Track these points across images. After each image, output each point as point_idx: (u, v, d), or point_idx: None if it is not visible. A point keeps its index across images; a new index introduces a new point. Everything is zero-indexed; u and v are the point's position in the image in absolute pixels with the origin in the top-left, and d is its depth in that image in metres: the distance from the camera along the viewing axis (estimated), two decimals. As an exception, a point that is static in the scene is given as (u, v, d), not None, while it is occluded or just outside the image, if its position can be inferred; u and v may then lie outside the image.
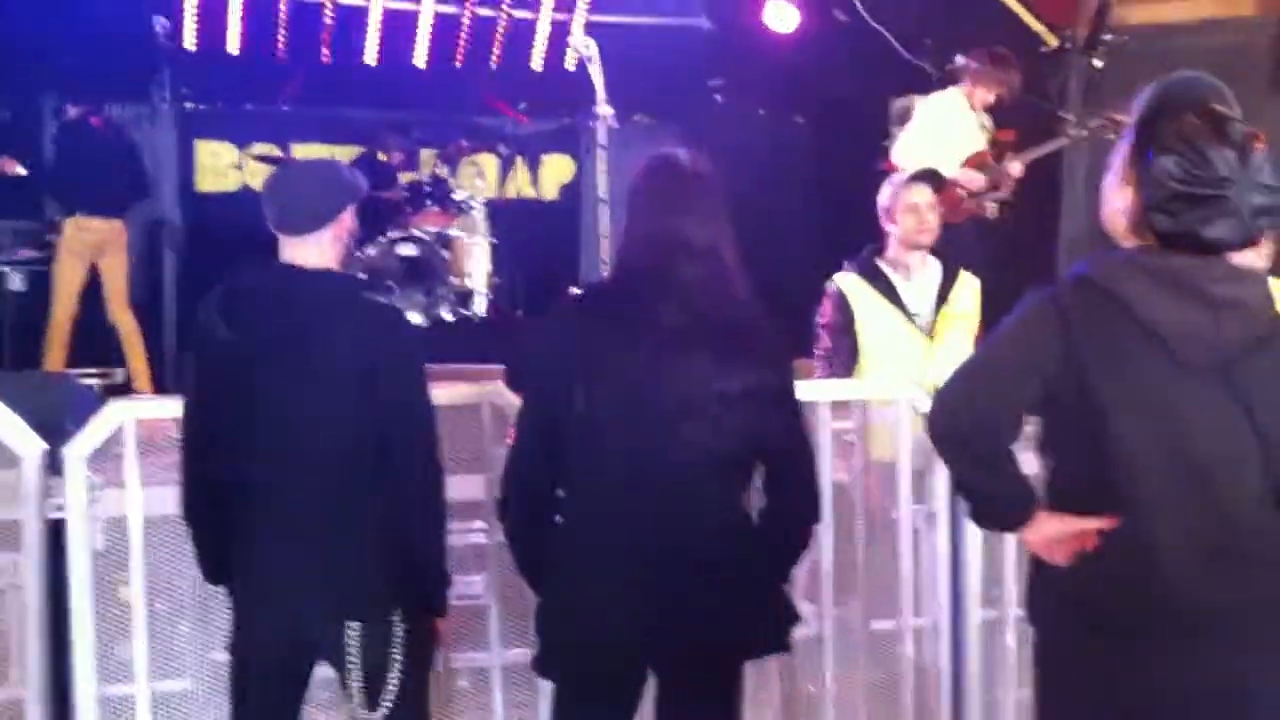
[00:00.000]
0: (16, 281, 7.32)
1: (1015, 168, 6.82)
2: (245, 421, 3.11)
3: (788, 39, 8.80)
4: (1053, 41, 7.23)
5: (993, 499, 2.63)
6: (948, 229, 4.99)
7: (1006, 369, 2.52)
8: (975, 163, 6.82)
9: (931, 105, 7.11)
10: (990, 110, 6.94)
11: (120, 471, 3.74)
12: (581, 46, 7.42)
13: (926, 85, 7.97)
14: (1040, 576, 2.60)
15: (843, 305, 4.85)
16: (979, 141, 6.91)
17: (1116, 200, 2.51)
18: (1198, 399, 2.37)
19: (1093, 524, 2.42)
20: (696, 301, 2.88)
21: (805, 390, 3.55)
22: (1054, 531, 2.52)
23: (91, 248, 7.21)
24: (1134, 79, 2.69)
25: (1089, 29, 6.97)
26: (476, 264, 8.10)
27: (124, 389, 6.58)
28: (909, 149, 6.93)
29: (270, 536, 3.11)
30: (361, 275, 7.29)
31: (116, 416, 3.74)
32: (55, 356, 7.05)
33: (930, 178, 5.15)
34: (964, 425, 2.54)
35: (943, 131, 6.90)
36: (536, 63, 9.25)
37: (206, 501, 3.21)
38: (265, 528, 3.12)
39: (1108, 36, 6.94)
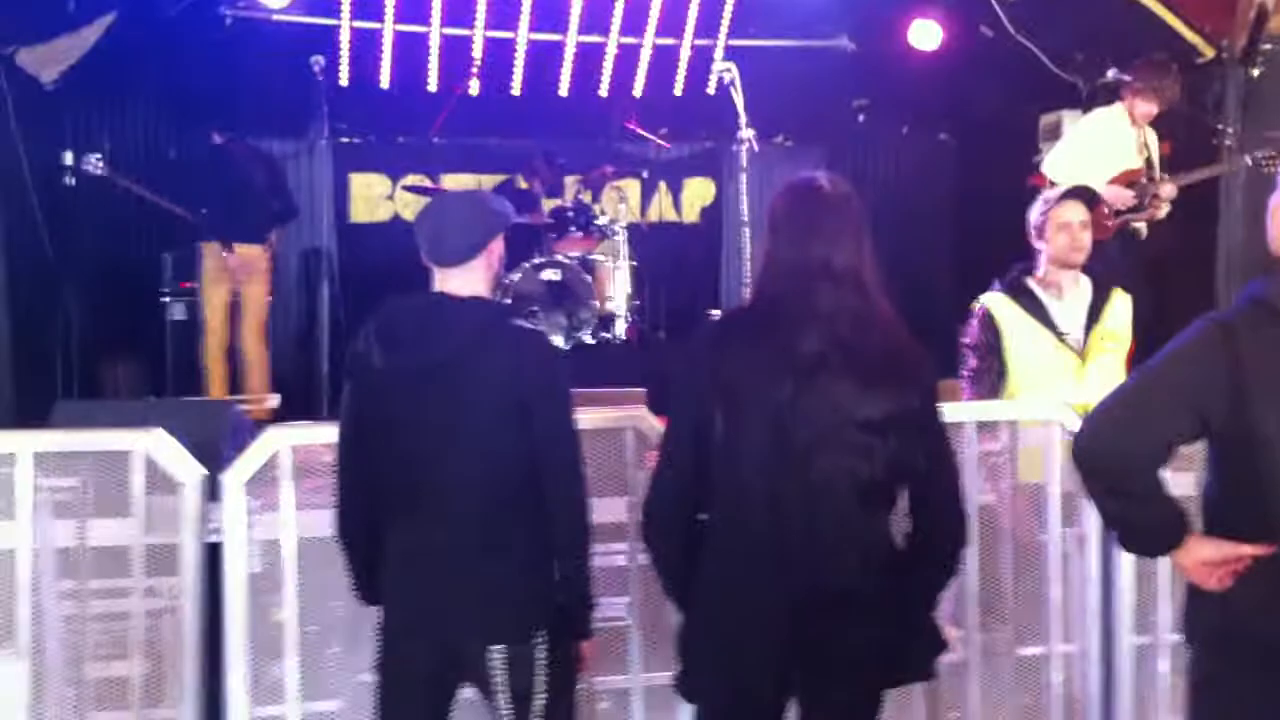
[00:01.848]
0: (178, 311, 7.59)
1: (1167, 189, 6.64)
2: (398, 446, 3.19)
3: (932, 57, 8.70)
4: (1209, 52, 7.01)
5: (1139, 527, 2.56)
6: (1094, 246, 4.87)
7: (1162, 399, 2.44)
8: (1125, 180, 6.65)
9: (1090, 120, 6.98)
10: (1153, 124, 6.77)
11: (275, 496, 3.85)
12: (723, 71, 7.46)
13: (1076, 100, 7.82)
14: (1196, 602, 2.53)
15: (990, 325, 4.76)
16: (1134, 159, 6.74)
17: None
18: None
19: (1248, 550, 2.34)
20: (837, 329, 2.86)
21: (952, 412, 3.50)
22: (1207, 556, 2.45)
23: (232, 274, 7.34)
24: (1294, 89, 2.61)
25: (1245, 38, 6.75)
26: (619, 288, 8.16)
27: (280, 417, 6.76)
28: (1060, 162, 6.80)
29: (420, 559, 3.18)
30: (507, 300, 7.40)
31: (273, 443, 3.86)
32: (216, 385, 7.24)
33: (1084, 195, 5.02)
34: (1111, 457, 2.48)
35: (1097, 147, 6.76)
36: (678, 88, 9.29)
37: (360, 525, 3.29)
38: (416, 550, 3.18)
39: (1266, 45, 6.71)
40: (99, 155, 7.36)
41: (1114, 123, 6.81)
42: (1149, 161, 6.77)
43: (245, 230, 7.23)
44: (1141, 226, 6.73)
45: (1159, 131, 6.93)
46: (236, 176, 7.29)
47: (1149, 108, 6.73)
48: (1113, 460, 2.48)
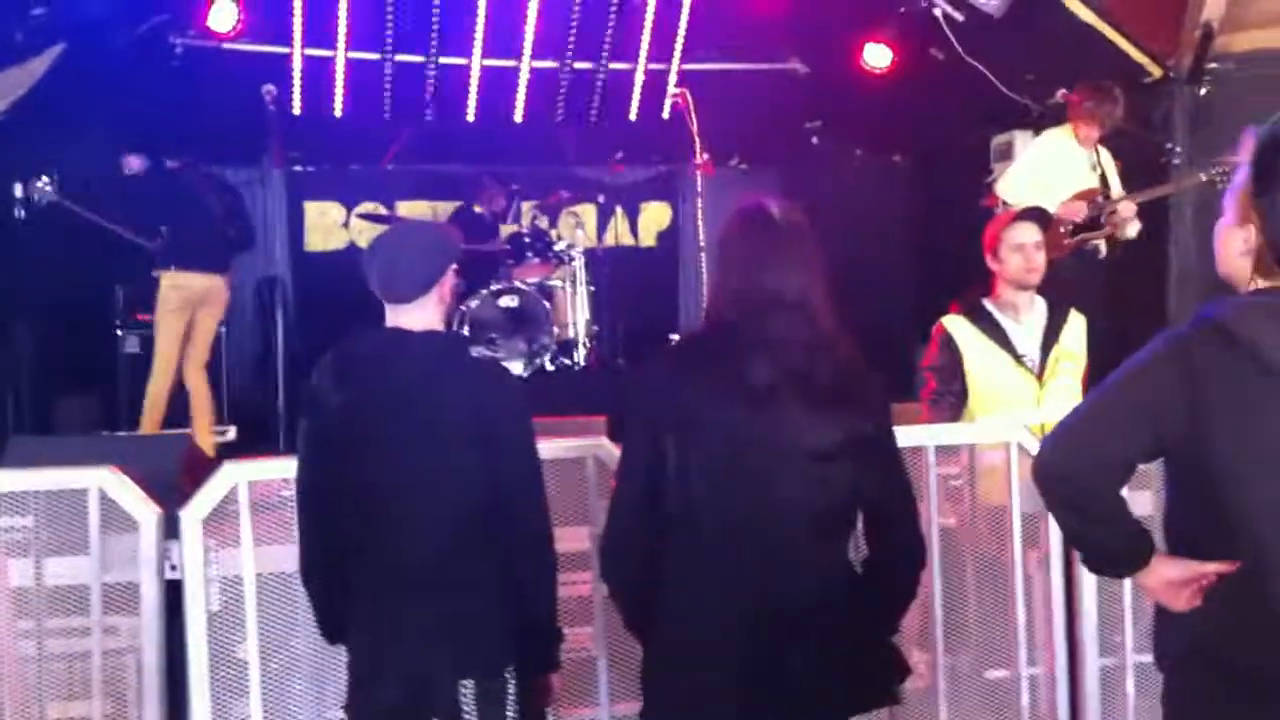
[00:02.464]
0: (131, 344, 7.51)
1: (1125, 206, 6.69)
2: (360, 483, 3.16)
3: (884, 79, 8.76)
4: (1156, 72, 7.10)
5: (1104, 547, 2.57)
6: (1049, 264, 4.91)
7: (1119, 418, 2.45)
8: (1081, 199, 6.72)
9: (1040, 142, 7.05)
10: (1103, 143, 6.85)
11: (234, 531, 3.81)
12: (676, 96, 7.51)
13: (1028, 121, 7.89)
14: (1165, 623, 2.53)
15: (949, 348, 4.78)
16: (1089, 178, 6.81)
17: (1236, 242, 2.45)
18: None
19: (1211, 568, 2.36)
20: (788, 357, 2.85)
21: (911, 435, 3.51)
22: (1172, 576, 2.45)
23: (190, 303, 7.21)
24: (1241, 107, 2.64)
25: (1192, 57, 6.84)
26: (577, 313, 8.16)
27: (236, 448, 6.71)
28: (1015, 184, 6.87)
29: (387, 595, 3.15)
30: (464, 328, 7.37)
31: (230, 478, 3.82)
32: (152, 417, 7.05)
33: (1037, 216, 5.07)
34: (1070, 475, 2.48)
35: (1050, 167, 6.84)
36: (633, 113, 9.32)
37: (323, 562, 3.26)
38: (382, 586, 3.16)
39: (1212, 65, 6.80)
40: (47, 178, 7.26)
41: (1065, 142, 6.89)
42: (1104, 179, 6.85)
43: (206, 258, 7.10)
44: (1100, 244, 6.80)
45: (1108, 151, 7.01)
46: (193, 202, 7.19)
47: (1091, 130, 6.81)
48: (1074, 479, 2.48)
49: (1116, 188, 6.87)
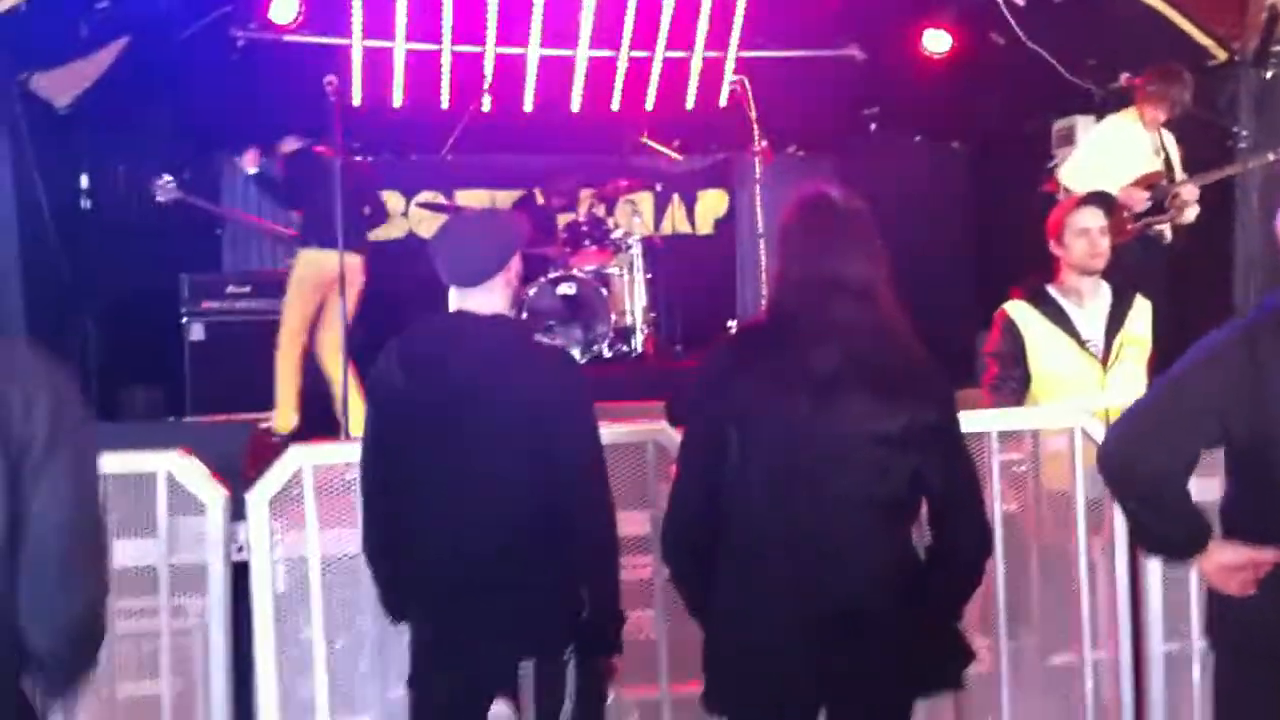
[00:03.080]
0: (196, 331, 7.60)
1: (1188, 190, 6.60)
2: (424, 465, 3.20)
3: (943, 65, 8.70)
4: (1221, 55, 7.00)
5: (1164, 534, 2.56)
6: (1113, 250, 4.86)
7: (1186, 408, 2.44)
8: (1144, 183, 6.64)
9: (1103, 127, 6.97)
10: (1168, 126, 6.76)
11: (299, 514, 3.86)
12: (734, 83, 7.48)
13: (1089, 106, 7.81)
14: (1219, 607, 2.53)
15: (1012, 333, 4.75)
16: (1152, 162, 6.73)
17: None
18: None
19: (1268, 555, 2.34)
20: (853, 343, 2.85)
21: (974, 420, 3.49)
22: (1228, 560, 2.44)
23: (326, 283, 6.94)
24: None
25: (1258, 40, 6.74)
26: (635, 301, 8.17)
27: (298, 434, 6.76)
28: (1077, 169, 6.79)
29: (449, 576, 3.19)
30: (523, 315, 7.40)
31: (295, 462, 3.87)
32: (286, 395, 7.00)
33: (1101, 200, 5.01)
34: (1137, 464, 2.47)
35: (1113, 152, 6.74)
36: (690, 101, 9.31)
37: (387, 543, 3.30)
38: (444, 568, 3.19)
39: (1278, 48, 6.70)
40: (169, 178, 7.33)
41: (1128, 127, 6.81)
42: (1168, 163, 6.76)
43: (347, 236, 6.97)
44: (1165, 229, 6.70)
45: (1174, 138, 6.93)
46: (332, 182, 7.11)
47: (1157, 113, 6.72)
48: (1140, 470, 2.48)
49: (1180, 173, 6.78)
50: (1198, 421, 2.42)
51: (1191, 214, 6.66)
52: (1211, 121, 6.95)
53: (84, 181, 7.69)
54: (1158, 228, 6.69)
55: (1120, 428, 2.54)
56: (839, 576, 2.84)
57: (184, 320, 7.57)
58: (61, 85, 7.04)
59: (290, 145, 7.45)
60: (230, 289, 7.66)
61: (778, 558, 2.86)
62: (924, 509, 3.00)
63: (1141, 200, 6.62)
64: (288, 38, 8.16)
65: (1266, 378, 2.30)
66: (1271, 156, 6.28)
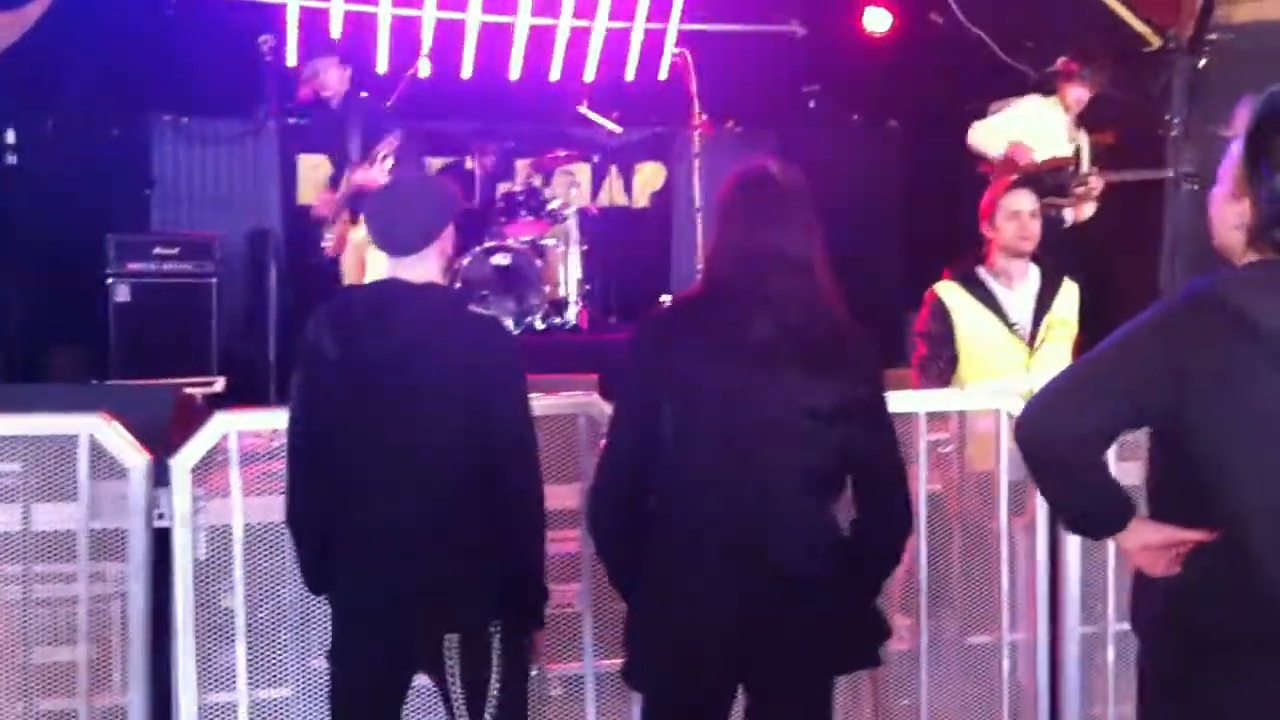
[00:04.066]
0: (122, 293, 7.48)
1: (1097, 181, 6.78)
2: (352, 434, 3.17)
3: (883, 44, 8.73)
4: (1155, 41, 7.07)
5: (1083, 509, 2.59)
6: None
7: (1103, 386, 2.46)
8: (1052, 165, 6.78)
9: (1026, 101, 7.19)
10: (1099, 114, 6.91)
11: (223, 481, 3.82)
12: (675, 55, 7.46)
13: (1025, 89, 7.86)
14: (1143, 588, 2.56)
15: (942, 314, 4.78)
16: (1063, 148, 6.91)
17: (1230, 215, 2.45)
18: None
19: (1192, 535, 2.38)
20: (787, 315, 2.87)
21: (902, 400, 3.52)
22: (1151, 540, 2.47)
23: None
24: (1240, 78, 2.63)
25: (1193, 28, 6.81)
26: (569, 272, 8.14)
27: (225, 399, 6.68)
28: (988, 129, 7.04)
29: (374, 547, 3.16)
30: (456, 285, 7.35)
31: (221, 428, 3.82)
32: None
33: (1034, 184, 5.07)
34: (1051, 439, 2.49)
35: (1029, 127, 6.94)
36: (630, 72, 9.27)
37: (311, 512, 3.27)
38: (369, 538, 3.17)
39: (1212, 35, 6.78)
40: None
41: (1049, 108, 7.03)
42: (1078, 153, 6.91)
43: None
44: (1065, 212, 6.85)
45: (1105, 121, 7.02)
46: None
47: (1080, 93, 6.92)
48: (1053, 443, 2.50)
49: (1087, 166, 6.98)
50: (1113, 401, 2.44)
51: (1090, 209, 6.89)
52: (1144, 108, 7.02)
53: (10, 136, 7.51)
54: (1058, 207, 6.81)
55: (1036, 403, 2.56)
56: (768, 547, 2.86)
57: (109, 281, 7.44)
58: (-12, 37, 6.87)
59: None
60: (158, 250, 7.53)
61: (707, 527, 2.88)
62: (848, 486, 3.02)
63: (1026, 155, 6.80)
64: (221, -6, 8.02)
65: (1187, 358, 2.33)
66: (1173, 174, 6.54)
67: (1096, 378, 2.50)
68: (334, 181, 7.21)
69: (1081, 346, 4.80)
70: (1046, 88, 7.28)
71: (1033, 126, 6.97)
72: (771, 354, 2.84)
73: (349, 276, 6.95)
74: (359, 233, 6.84)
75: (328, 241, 7.13)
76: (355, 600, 3.22)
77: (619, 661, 3.13)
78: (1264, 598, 2.31)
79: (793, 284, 2.90)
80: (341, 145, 6.69)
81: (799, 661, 2.90)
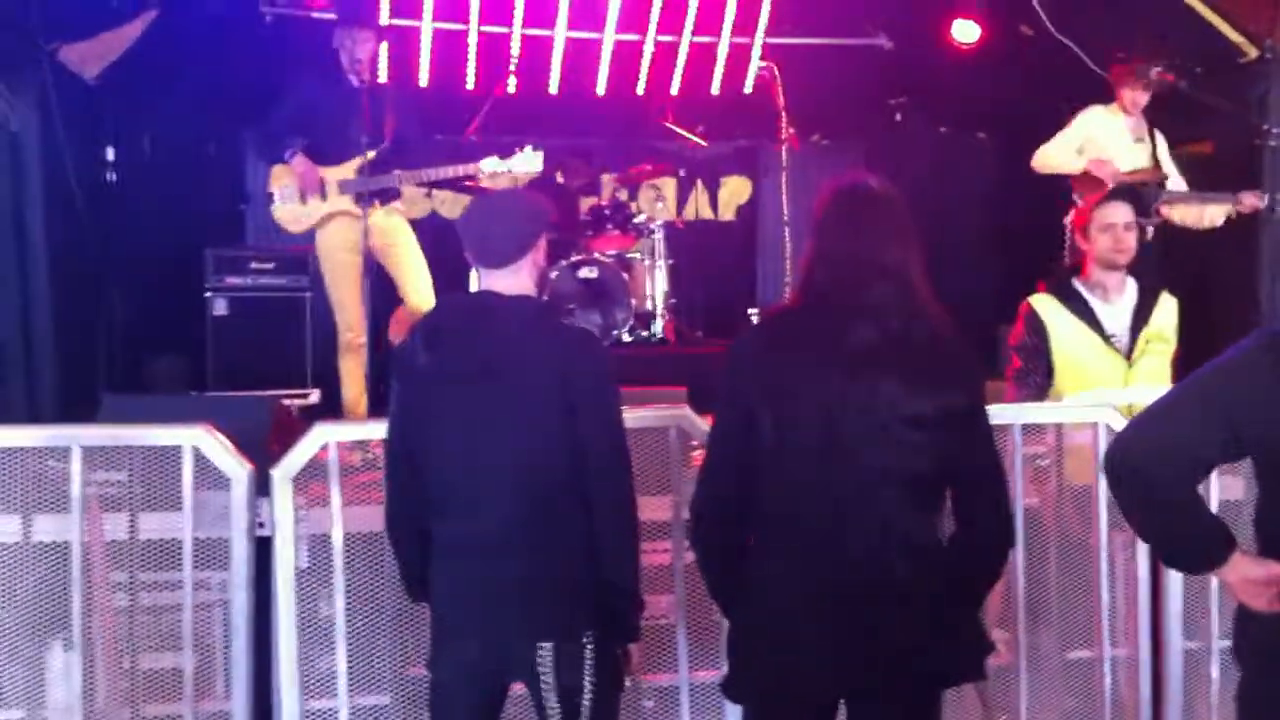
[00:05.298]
0: (220, 306, 7.62)
1: (1170, 211, 6.73)
2: (446, 443, 3.20)
3: (970, 55, 8.66)
4: (1252, 52, 6.96)
5: (1173, 541, 2.53)
6: None
7: (1199, 413, 2.41)
8: (1137, 179, 6.68)
9: (1083, 114, 7.05)
10: (1197, 125, 6.81)
11: (323, 491, 3.88)
12: (762, 68, 7.45)
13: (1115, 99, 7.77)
14: (1245, 620, 2.50)
15: (1037, 326, 4.74)
16: (1133, 151, 6.82)
17: None
18: None
19: None
20: (887, 323, 2.86)
21: (997, 413, 3.49)
22: (1253, 575, 2.41)
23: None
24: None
25: (1290, 39, 6.70)
26: (656, 286, 8.16)
27: (320, 411, 6.77)
28: (1053, 154, 6.95)
29: (469, 556, 3.19)
30: (544, 298, 7.39)
31: (321, 438, 3.88)
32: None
33: (1129, 196, 5.00)
34: (1140, 468, 2.44)
35: (1089, 138, 6.88)
36: (716, 86, 9.29)
37: (409, 522, 3.32)
38: (465, 548, 3.20)
39: (1309, 46, 6.66)
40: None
41: (1107, 118, 6.93)
42: (1154, 156, 6.79)
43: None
44: (1148, 229, 6.75)
45: (1202, 132, 6.91)
46: None
47: (1135, 94, 6.83)
48: (1142, 471, 2.44)
49: (1168, 167, 6.85)
50: (1209, 429, 2.38)
51: (1215, 218, 6.74)
52: (1242, 119, 6.90)
53: (110, 154, 7.68)
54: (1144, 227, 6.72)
55: (1129, 428, 2.51)
56: (869, 559, 2.84)
57: (207, 295, 7.59)
58: (90, 56, 7.03)
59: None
60: (253, 265, 7.67)
61: (807, 538, 2.87)
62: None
63: (1106, 166, 6.73)
64: (316, 14, 8.15)
65: None
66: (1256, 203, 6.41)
67: (1192, 405, 2.44)
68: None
69: (1180, 361, 4.73)
70: (1105, 97, 7.18)
71: (1095, 137, 6.89)
72: (870, 363, 2.83)
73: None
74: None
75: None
76: (451, 608, 3.25)
77: (712, 673, 3.14)
78: None
79: (891, 292, 2.89)
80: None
81: (902, 674, 2.88)
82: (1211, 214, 6.77)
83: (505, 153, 6.67)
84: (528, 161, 6.64)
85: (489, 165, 6.57)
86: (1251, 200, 6.63)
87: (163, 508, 3.87)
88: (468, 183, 8.55)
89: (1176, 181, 6.85)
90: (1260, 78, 6.94)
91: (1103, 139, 6.87)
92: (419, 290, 6.58)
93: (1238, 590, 2.45)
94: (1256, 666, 2.47)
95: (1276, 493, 2.40)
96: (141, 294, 7.55)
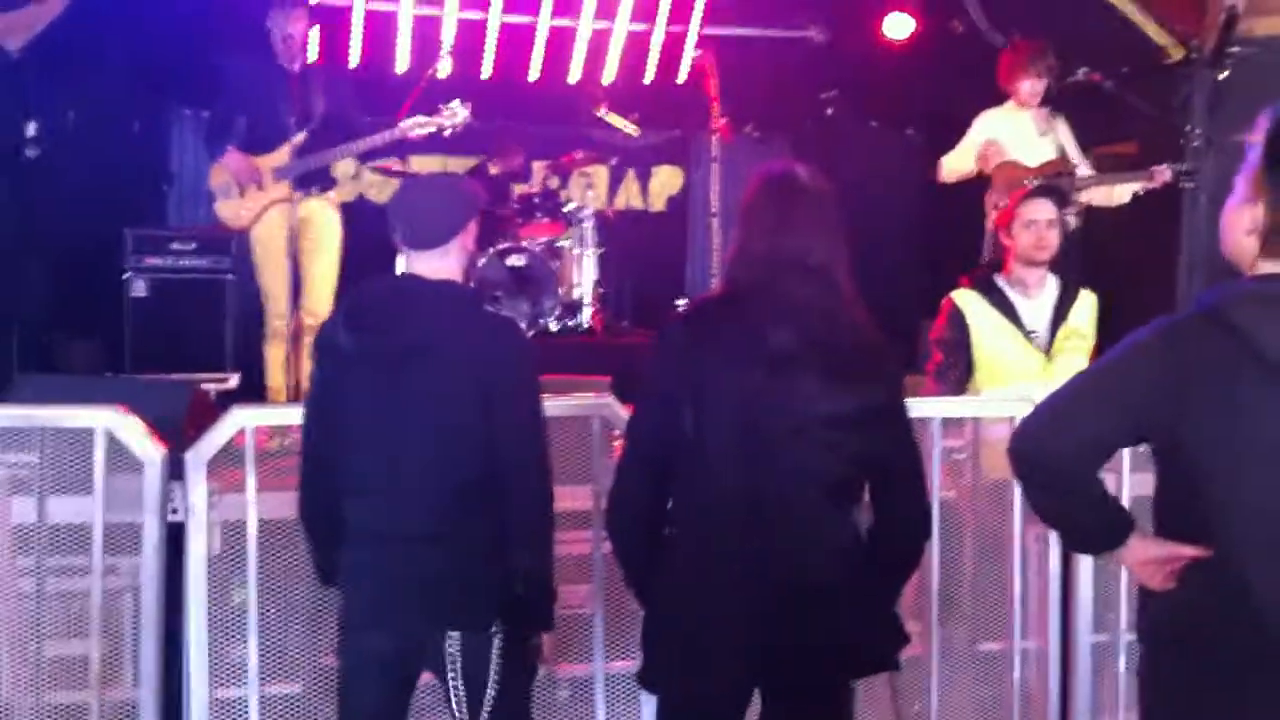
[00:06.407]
0: (139, 287, 7.49)
1: (1084, 196, 6.69)
2: (363, 429, 3.17)
3: (902, 51, 8.71)
4: (1177, 54, 7.05)
5: (1074, 525, 2.58)
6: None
7: (1100, 401, 2.45)
8: (1048, 171, 6.67)
9: (984, 115, 6.99)
10: (1121, 125, 6.83)
11: (238, 476, 3.83)
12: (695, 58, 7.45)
13: (1045, 100, 7.84)
14: (1145, 600, 2.55)
15: (958, 321, 4.78)
16: (1042, 149, 6.74)
17: (1244, 219, 2.43)
18: None
19: (1188, 551, 2.37)
20: (808, 323, 2.86)
21: (917, 407, 3.51)
22: (1149, 555, 2.47)
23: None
24: (1260, 91, 2.61)
25: (1215, 41, 6.78)
26: (585, 275, 8.15)
27: (238, 395, 6.68)
28: (954, 161, 6.91)
29: (382, 543, 3.17)
30: (471, 285, 7.34)
31: (236, 422, 3.83)
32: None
33: (1052, 193, 5.05)
34: (1041, 454, 2.48)
35: (995, 139, 6.79)
36: (649, 75, 9.27)
37: (323, 507, 3.27)
38: (377, 534, 3.17)
39: (1234, 48, 6.75)
40: None
41: (1005, 115, 6.86)
42: (1061, 150, 6.79)
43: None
44: (1070, 219, 6.76)
45: (1127, 132, 6.98)
46: None
47: (1030, 83, 6.71)
48: (1043, 458, 2.49)
49: (1075, 156, 6.80)
50: (1109, 416, 2.43)
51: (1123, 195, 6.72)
52: (1165, 120, 6.99)
53: (31, 129, 7.53)
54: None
55: (1032, 418, 2.55)
56: (788, 552, 2.85)
57: (126, 275, 7.45)
58: (13, 29, 6.89)
59: None
60: (175, 245, 7.53)
61: (728, 531, 2.87)
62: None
63: (998, 154, 6.68)
64: (245, -9, 8.03)
65: (1190, 375, 2.32)
66: (1168, 172, 6.42)
67: (1093, 393, 2.49)
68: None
69: (1098, 357, 4.79)
70: (1067, 99, 7.20)
71: (996, 139, 6.80)
72: (792, 360, 2.84)
73: None
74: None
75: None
76: (361, 594, 3.22)
77: (628, 663, 3.14)
78: (1256, 615, 2.31)
79: (814, 291, 2.90)
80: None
81: (816, 665, 2.90)
82: (1119, 192, 6.76)
83: (432, 111, 6.60)
84: (454, 114, 6.57)
85: (413, 123, 6.50)
86: (1162, 175, 6.64)
87: (73, 491, 3.79)
88: (398, 166, 8.54)
89: (1081, 161, 6.83)
90: (1185, 79, 7.03)
91: (1005, 139, 6.78)
92: (319, 297, 6.50)
93: (1136, 571, 2.51)
94: (1154, 644, 2.53)
95: (1171, 477, 2.45)
96: (60, 274, 7.42)
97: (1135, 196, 6.72)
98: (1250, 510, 2.31)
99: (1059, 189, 5.38)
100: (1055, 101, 7.08)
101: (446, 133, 6.63)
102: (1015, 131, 6.80)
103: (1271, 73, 6.50)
